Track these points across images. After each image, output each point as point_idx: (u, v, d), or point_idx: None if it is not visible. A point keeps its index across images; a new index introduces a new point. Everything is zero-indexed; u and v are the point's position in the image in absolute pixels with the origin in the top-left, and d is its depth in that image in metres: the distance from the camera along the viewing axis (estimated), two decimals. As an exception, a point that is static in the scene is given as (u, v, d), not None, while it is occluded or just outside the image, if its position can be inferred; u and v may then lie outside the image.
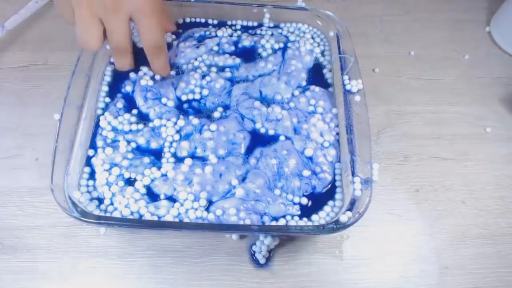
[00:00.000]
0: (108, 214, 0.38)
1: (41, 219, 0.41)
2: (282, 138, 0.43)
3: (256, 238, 0.41)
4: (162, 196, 0.39)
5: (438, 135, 0.49)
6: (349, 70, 0.44)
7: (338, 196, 0.40)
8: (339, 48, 0.46)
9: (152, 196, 0.40)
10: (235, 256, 0.41)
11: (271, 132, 0.43)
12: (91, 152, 0.41)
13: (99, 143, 0.42)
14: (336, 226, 0.36)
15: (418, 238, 0.43)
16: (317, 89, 0.46)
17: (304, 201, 0.40)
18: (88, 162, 0.41)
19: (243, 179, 0.41)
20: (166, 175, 0.40)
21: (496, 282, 0.41)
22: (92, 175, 0.40)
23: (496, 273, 0.41)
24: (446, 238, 0.43)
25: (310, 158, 0.42)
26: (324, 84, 0.48)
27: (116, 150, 0.41)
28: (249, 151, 0.43)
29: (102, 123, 0.43)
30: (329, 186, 0.41)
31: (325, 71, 0.49)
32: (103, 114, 0.43)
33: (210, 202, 0.40)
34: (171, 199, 0.39)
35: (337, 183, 0.41)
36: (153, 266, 0.40)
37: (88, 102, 0.42)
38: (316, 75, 0.48)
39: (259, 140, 0.43)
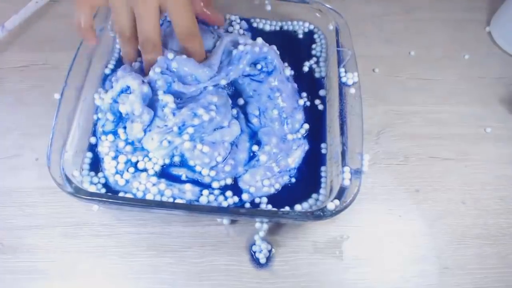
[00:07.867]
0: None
1: (41, 219, 0.41)
2: (271, 79, 0.44)
3: (253, 231, 0.41)
4: (184, 177, 0.41)
5: (438, 135, 0.49)
6: (346, 63, 0.44)
7: (322, 187, 0.42)
8: (337, 41, 0.46)
9: (169, 177, 0.41)
10: (235, 256, 0.41)
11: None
12: (93, 140, 0.42)
13: (100, 129, 0.42)
14: (323, 213, 0.36)
15: (418, 238, 0.43)
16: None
17: (306, 126, 0.44)
18: (90, 148, 0.42)
19: (257, 143, 0.43)
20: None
21: (496, 282, 0.41)
22: (94, 159, 0.42)
23: (496, 273, 0.41)
24: (446, 238, 0.43)
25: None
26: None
27: (117, 137, 0.42)
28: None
29: (98, 101, 0.42)
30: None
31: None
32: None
33: (236, 177, 0.41)
34: (195, 181, 0.41)
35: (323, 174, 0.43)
36: (153, 266, 0.40)
37: (88, 84, 0.43)
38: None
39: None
